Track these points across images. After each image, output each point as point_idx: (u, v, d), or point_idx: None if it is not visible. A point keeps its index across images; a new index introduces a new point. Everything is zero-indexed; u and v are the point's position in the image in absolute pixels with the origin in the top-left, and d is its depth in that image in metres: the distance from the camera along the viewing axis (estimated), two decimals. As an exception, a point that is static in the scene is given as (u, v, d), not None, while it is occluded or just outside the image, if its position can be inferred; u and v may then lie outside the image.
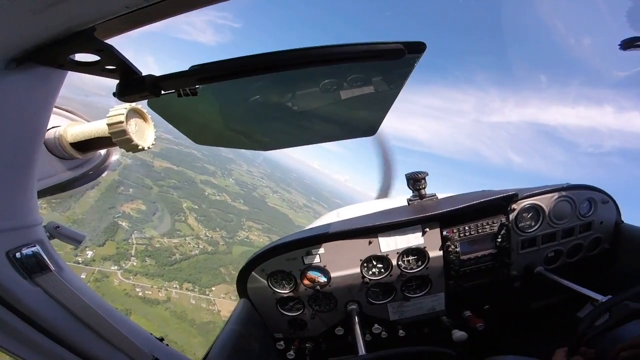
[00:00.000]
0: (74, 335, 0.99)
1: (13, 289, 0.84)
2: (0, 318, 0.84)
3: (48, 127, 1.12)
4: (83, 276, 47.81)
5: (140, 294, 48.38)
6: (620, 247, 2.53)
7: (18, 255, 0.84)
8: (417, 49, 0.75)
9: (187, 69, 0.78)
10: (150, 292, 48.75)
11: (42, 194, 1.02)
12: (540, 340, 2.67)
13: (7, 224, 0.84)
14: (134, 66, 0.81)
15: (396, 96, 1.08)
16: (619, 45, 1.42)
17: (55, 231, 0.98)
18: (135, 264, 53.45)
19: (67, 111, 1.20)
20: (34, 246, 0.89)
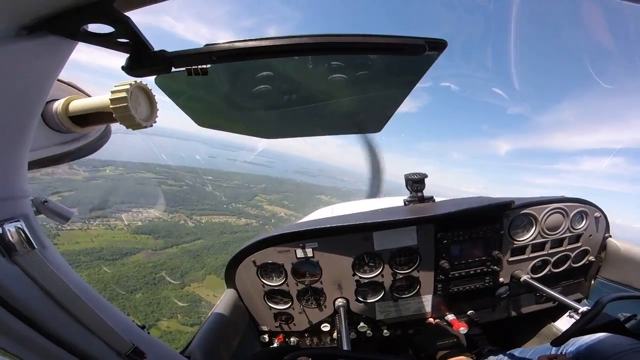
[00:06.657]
0: (48, 317, 0.90)
1: None
2: None
3: (48, 99, 1.09)
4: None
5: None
6: (605, 260, 2.64)
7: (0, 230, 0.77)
8: (438, 46, 0.75)
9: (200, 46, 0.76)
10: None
11: (33, 165, 0.97)
12: (520, 348, 2.72)
13: None
14: (147, 41, 0.79)
15: (407, 94, 1.09)
16: None
17: (42, 206, 0.92)
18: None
19: (70, 85, 1.17)
20: (18, 221, 0.82)
